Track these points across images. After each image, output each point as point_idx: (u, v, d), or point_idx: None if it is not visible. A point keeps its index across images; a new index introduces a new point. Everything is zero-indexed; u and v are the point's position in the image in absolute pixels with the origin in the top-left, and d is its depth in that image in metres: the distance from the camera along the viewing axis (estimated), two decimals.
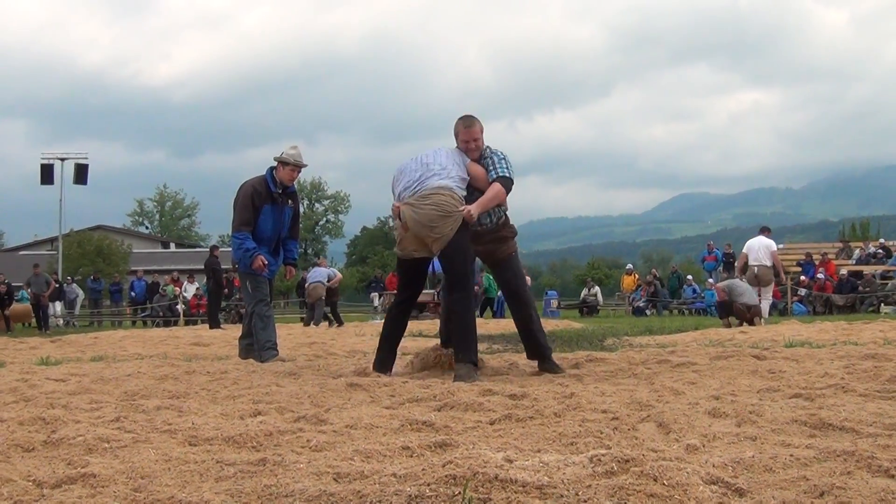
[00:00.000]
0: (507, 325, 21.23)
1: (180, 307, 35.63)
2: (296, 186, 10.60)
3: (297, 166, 10.26)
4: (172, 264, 56.69)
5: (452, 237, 7.26)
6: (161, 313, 37.26)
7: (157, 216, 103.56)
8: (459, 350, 7.41)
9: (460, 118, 7.86)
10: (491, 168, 7.70)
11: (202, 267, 27.90)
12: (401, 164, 7.84)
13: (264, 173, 10.21)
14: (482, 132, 7.82)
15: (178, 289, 37.53)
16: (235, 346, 13.01)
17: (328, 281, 24.82)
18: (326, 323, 24.40)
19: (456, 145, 7.84)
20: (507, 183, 7.68)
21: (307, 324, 24.74)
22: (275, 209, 10.16)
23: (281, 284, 74.95)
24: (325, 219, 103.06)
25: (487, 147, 7.87)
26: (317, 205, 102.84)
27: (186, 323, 33.15)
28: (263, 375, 7.62)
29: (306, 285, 25.15)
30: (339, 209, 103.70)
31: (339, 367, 8.53)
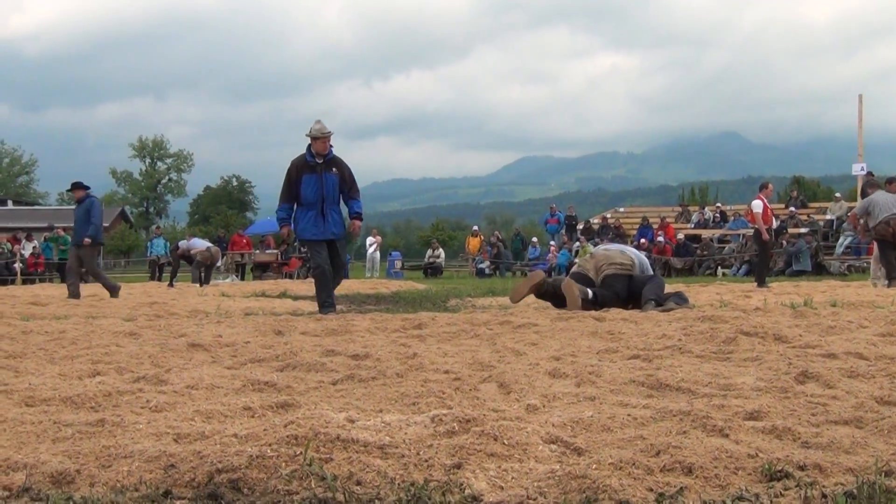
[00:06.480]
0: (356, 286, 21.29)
1: (17, 265, 34.70)
2: (333, 153, 11.69)
3: (323, 136, 11.49)
4: (10, 222, 55.17)
5: (613, 277, 11.01)
6: None
7: None
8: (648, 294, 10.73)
9: None
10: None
11: (41, 225, 27.48)
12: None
13: (305, 151, 11.70)
14: None
15: (16, 246, 36.50)
16: (72, 306, 12.82)
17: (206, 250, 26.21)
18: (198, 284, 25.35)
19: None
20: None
21: (171, 284, 25.67)
22: (314, 177, 11.50)
23: (122, 244, 73.58)
24: (167, 177, 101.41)
25: None
26: (159, 163, 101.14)
27: (24, 282, 32.30)
28: (103, 335, 7.49)
29: (193, 251, 25.76)
30: (182, 168, 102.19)
31: (181, 327, 8.44)
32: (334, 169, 11.61)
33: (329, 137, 11.54)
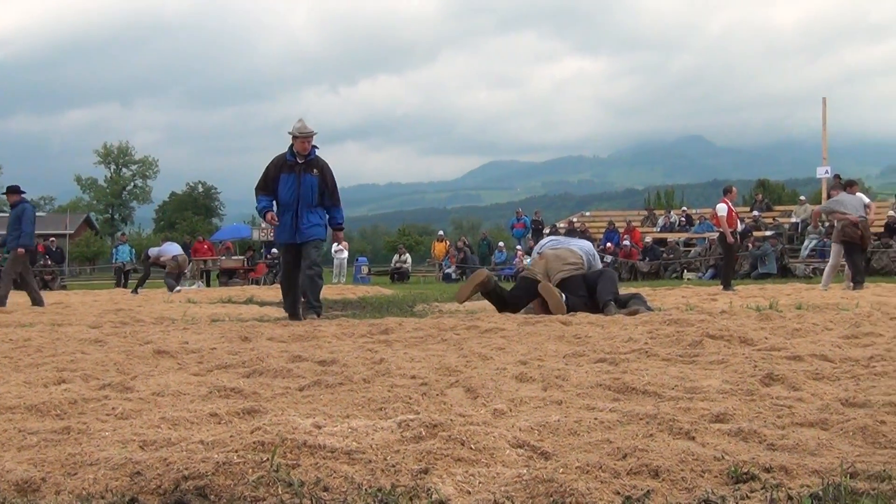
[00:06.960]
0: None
1: None
2: (316, 154, 11.36)
3: (303, 136, 11.15)
4: None
5: (571, 280, 11.23)
6: None
7: None
8: (604, 294, 10.88)
9: None
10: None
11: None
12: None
13: (287, 150, 11.41)
14: None
15: None
16: (38, 314, 12.71)
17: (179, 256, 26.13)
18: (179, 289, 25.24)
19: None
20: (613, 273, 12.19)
21: (135, 291, 25.33)
22: (292, 177, 11.19)
23: (87, 251, 73.04)
24: (132, 184, 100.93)
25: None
26: (124, 170, 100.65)
27: None
28: (68, 343, 7.44)
29: (162, 258, 25.67)
30: (147, 174, 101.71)
31: (147, 333, 8.40)
32: (314, 170, 11.25)
33: (311, 137, 11.20)
